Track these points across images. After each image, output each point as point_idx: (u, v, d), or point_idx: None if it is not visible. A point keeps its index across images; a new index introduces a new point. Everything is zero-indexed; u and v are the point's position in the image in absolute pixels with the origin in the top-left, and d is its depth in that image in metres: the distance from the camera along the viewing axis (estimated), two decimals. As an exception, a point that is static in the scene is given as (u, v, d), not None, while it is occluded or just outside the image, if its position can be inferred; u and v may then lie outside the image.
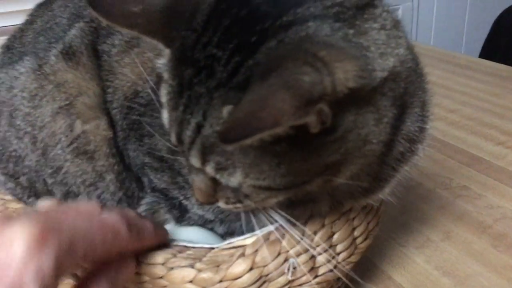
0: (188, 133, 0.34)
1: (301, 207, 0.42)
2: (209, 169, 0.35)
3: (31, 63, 0.52)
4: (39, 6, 0.61)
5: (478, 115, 0.95)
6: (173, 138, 0.36)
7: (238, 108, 0.29)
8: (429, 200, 0.70)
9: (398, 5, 1.86)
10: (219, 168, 0.34)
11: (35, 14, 0.60)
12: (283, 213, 0.41)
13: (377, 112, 0.36)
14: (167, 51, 0.36)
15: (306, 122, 0.31)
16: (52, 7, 0.57)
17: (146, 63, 0.48)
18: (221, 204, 0.39)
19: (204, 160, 0.34)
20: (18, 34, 0.59)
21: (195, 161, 0.35)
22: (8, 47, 0.59)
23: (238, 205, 0.38)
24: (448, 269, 0.58)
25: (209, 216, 0.50)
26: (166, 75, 0.36)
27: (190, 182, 0.43)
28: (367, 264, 0.58)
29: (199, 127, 0.33)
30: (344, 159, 0.36)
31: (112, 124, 0.52)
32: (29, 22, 0.59)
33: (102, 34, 0.52)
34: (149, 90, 0.47)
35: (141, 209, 0.54)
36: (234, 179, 0.34)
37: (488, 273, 0.57)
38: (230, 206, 0.39)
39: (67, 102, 0.51)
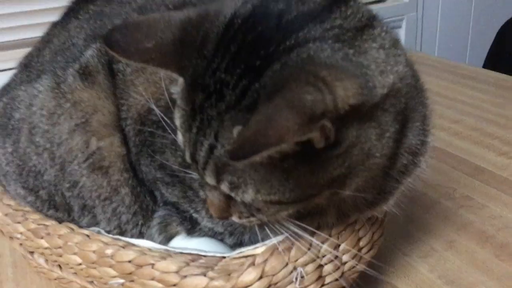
0: (201, 154, 0.37)
1: (308, 219, 0.44)
2: (224, 187, 0.37)
3: (50, 81, 0.55)
4: (55, 26, 0.64)
5: (481, 126, 0.97)
6: (187, 157, 0.39)
7: (246, 128, 0.31)
8: (433, 210, 0.72)
9: (402, 16, 1.88)
10: (233, 187, 0.36)
11: (51, 34, 0.62)
12: (294, 224, 0.43)
13: (379, 127, 0.38)
14: (180, 80, 0.38)
15: (311, 138, 0.33)
16: (68, 27, 0.60)
17: (159, 82, 0.51)
18: (235, 218, 0.42)
19: (218, 179, 0.37)
20: (35, 53, 0.62)
21: (210, 180, 0.37)
22: (26, 65, 0.62)
23: (252, 219, 0.41)
24: (451, 278, 0.59)
25: (219, 229, 0.52)
26: (179, 101, 0.38)
27: (201, 196, 0.45)
28: (372, 274, 0.60)
29: (211, 148, 0.36)
30: (349, 173, 0.38)
31: (125, 141, 0.55)
32: (45, 41, 0.62)
33: (117, 53, 0.55)
34: (158, 110, 0.50)
35: (154, 222, 0.56)
36: (247, 196, 0.36)
37: (490, 282, 0.58)
38: (244, 221, 0.41)
39: (83, 120, 0.53)
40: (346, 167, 0.37)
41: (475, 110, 1.05)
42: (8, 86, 0.62)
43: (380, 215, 0.51)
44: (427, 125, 0.49)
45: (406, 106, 0.42)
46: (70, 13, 0.61)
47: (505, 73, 1.25)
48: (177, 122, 0.39)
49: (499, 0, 2.04)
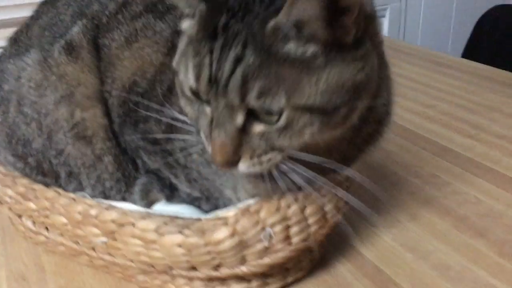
0: (227, 67, 0.39)
1: (276, 182, 0.48)
2: (251, 97, 0.39)
3: (37, 55, 0.58)
4: (44, 3, 0.67)
5: (452, 111, 1.02)
6: (202, 82, 0.40)
7: None
8: (400, 186, 0.77)
9: (386, 5, 1.92)
10: (263, 93, 0.38)
11: (40, 11, 0.65)
12: (295, 171, 0.44)
13: (374, 59, 0.44)
14: (200, 8, 0.41)
15: (346, 25, 0.39)
16: (57, 5, 0.63)
17: (144, 58, 0.54)
18: (243, 163, 0.42)
19: (245, 89, 0.39)
20: (25, 29, 0.65)
21: (233, 95, 0.39)
22: (15, 40, 0.65)
23: (264, 157, 0.42)
24: (412, 246, 0.64)
25: (196, 193, 0.56)
26: (195, 29, 0.41)
27: (208, 143, 0.44)
28: (340, 240, 0.65)
29: (238, 59, 0.38)
30: (363, 87, 0.42)
31: (107, 112, 0.58)
32: (34, 18, 0.65)
33: (103, 29, 0.58)
34: (144, 82, 0.54)
35: (136, 189, 0.60)
36: (278, 101, 0.39)
37: (448, 250, 0.63)
38: (254, 161, 0.42)
39: (68, 92, 0.57)
40: (363, 74, 0.41)
41: (448, 96, 1.10)
42: (-2, 60, 0.66)
43: (345, 183, 0.55)
44: (391, 98, 0.53)
45: (380, 67, 0.47)
46: (58, -8, 0.64)
47: (482, 63, 1.30)
48: (189, 53, 0.41)
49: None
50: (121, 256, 0.52)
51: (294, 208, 0.49)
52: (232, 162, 0.42)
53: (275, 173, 0.44)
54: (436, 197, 0.74)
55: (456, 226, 0.68)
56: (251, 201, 0.50)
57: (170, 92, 0.52)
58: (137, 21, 0.57)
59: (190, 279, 0.54)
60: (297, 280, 0.58)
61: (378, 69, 0.46)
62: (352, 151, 0.51)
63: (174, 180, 0.56)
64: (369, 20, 0.43)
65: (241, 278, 0.53)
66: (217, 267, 0.50)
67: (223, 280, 0.53)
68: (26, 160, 0.58)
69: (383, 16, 1.94)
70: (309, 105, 0.39)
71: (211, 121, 0.42)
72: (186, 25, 0.43)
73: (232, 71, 0.39)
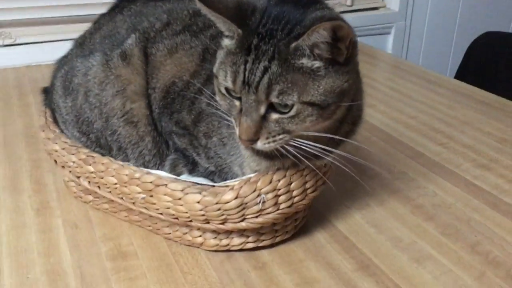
0: (258, 74, 0.56)
1: (273, 161, 0.67)
2: (273, 96, 0.56)
3: (101, 58, 0.77)
4: (104, 16, 0.86)
5: (431, 122, 1.20)
6: (238, 84, 0.58)
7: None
8: (375, 179, 0.95)
9: (391, 24, 2.09)
10: (281, 92, 0.56)
11: (101, 22, 0.84)
12: (296, 148, 0.61)
13: (354, 75, 0.62)
14: (237, 32, 0.58)
15: (342, 46, 0.57)
16: (115, 19, 0.82)
17: (182, 65, 0.73)
18: (260, 141, 0.59)
19: (269, 90, 0.56)
20: (88, 35, 0.85)
21: (260, 94, 0.56)
22: (80, 43, 0.84)
23: (277, 137, 0.59)
24: (375, 224, 0.82)
25: (212, 168, 0.75)
26: (233, 46, 0.59)
27: (237, 125, 0.61)
28: (319, 215, 0.83)
29: (266, 69, 0.56)
30: (345, 93, 0.60)
31: (149, 105, 0.77)
32: (97, 28, 0.84)
33: (151, 42, 0.77)
34: (180, 83, 0.73)
35: (167, 163, 0.79)
36: (292, 98, 0.56)
37: (403, 229, 0.81)
38: (270, 140, 0.59)
39: (122, 88, 0.76)
40: (347, 84, 0.59)
41: (430, 109, 1.27)
42: (66, 58, 0.85)
43: (323, 169, 0.73)
44: (363, 106, 0.72)
45: (356, 80, 0.66)
46: (116, 9, 0.84)
47: (471, 84, 1.45)
48: (227, 62, 0.59)
49: (481, 17, 2.25)
50: (154, 210, 0.71)
51: (283, 182, 0.68)
52: (253, 140, 0.59)
53: (282, 148, 0.62)
54: (402, 189, 0.92)
55: (413, 212, 0.86)
56: (251, 175, 0.68)
57: (200, 92, 0.71)
58: (177, 37, 0.76)
59: (204, 231, 0.73)
60: (283, 241, 0.77)
61: (355, 83, 0.65)
62: (332, 145, 0.69)
63: (196, 157, 0.75)
64: (353, 46, 0.62)
65: (241, 233, 0.72)
66: (224, 222, 0.68)
67: (228, 233, 0.72)
68: (88, 135, 0.78)
69: (388, 34, 2.10)
70: (312, 101, 0.58)
71: (240, 111, 0.60)
72: (227, 42, 0.61)
73: (261, 77, 0.57)
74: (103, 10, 1.40)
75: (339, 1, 1.99)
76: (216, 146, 0.72)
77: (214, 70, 0.62)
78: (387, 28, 2.09)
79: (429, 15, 2.16)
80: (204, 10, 0.58)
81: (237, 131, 0.61)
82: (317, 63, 0.58)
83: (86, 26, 1.47)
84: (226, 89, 0.61)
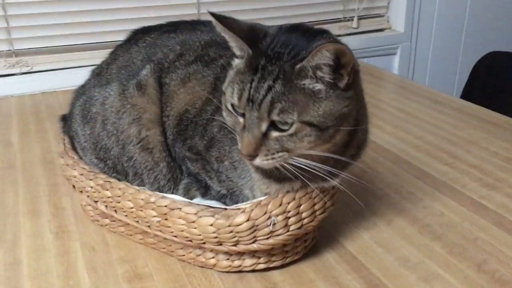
0: (262, 92, 0.60)
1: (282, 184, 0.70)
2: (274, 114, 0.60)
3: (117, 88, 0.81)
4: (120, 47, 0.90)
5: (437, 142, 1.22)
6: (243, 100, 0.62)
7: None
8: (382, 200, 0.97)
9: (397, 44, 2.13)
10: (282, 111, 0.59)
11: (118, 53, 0.88)
12: (295, 167, 0.64)
13: (355, 102, 0.66)
14: (248, 52, 0.63)
15: (343, 73, 0.61)
16: (130, 51, 0.86)
17: (194, 93, 0.77)
18: (259, 158, 0.63)
19: (271, 108, 0.60)
20: (105, 66, 0.89)
21: (263, 111, 0.60)
22: (98, 74, 0.89)
23: (276, 155, 0.62)
24: (383, 243, 0.84)
25: (224, 191, 0.78)
26: (242, 65, 0.64)
27: (240, 140, 0.65)
28: (328, 236, 0.85)
29: (270, 88, 0.60)
30: (345, 118, 0.63)
31: (163, 132, 0.81)
32: (113, 58, 0.88)
33: (165, 72, 0.81)
34: (193, 111, 0.76)
35: (180, 187, 0.82)
36: (291, 117, 0.60)
37: (410, 248, 0.83)
38: (268, 157, 0.62)
39: (137, 117, 0.79)
40: (347, 109, 0.63)
41: (437, 129, 1.30)
42: (83, 87, 0.89)
43: (331, 191, 0.75)
44: (368, 130, 0.75)
45: (361, 107, 0.70)
46: (131, 40, 0.88)
47: (476, 104, 1.48)
48: (235, 79, 0.63)
49: (486, 37, 2.28)
50: (169, 233, 0.74)
51: (292, 204, 0.70)
52: (252, 155, 0.63)
53: (284, 165, 0.65)
54: (409, 209, 0.94)
55: (420, 232, 0.88)
56: (262, 198, 0.71)
57: (212, 119, 0.75)
58: (190, 67, 0.80)
59: (216, 253, 0.75)
60: (294, 261, 0.79)
61: (358, 109, 0.68)
62: (337, 168, 0.72)
63: (208, 181, 0.78)
64: (356, 74, 0.65)
65: (253, 254, 0.75)
66: (236, 243, 0.71)
67: (240, 254, 0.74)
68: (106, 162, 0.81)
69: (394, 54, 2.14)
70: (311, 122, 0.61)
71: (243, 127, 0.63)
72: (237, 62, 0.66)
73: (265, 96, 0.60)
74: (115, 38, 1.47)
75: (345, 23, 2.04)
76: (228, 170, 0.75)
77: (223, 87, 0.67)
78: (393, 49, 2.13)
79: (434, 35, 2.19)
80: (220, 28, 0.64)
81: (239, 146, 0.65)
82: (318, 86, 0.61)
83: (98, 53, 1.55)
84: (232, 105, 0.65)
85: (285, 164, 0.65)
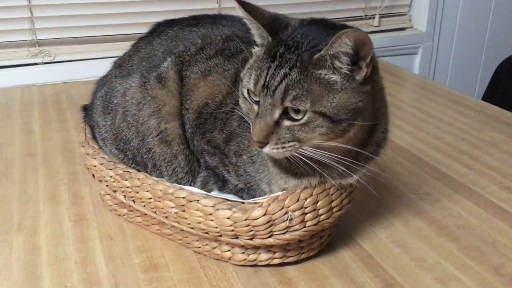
0: (277, 79, 0.61)
1: (300, 179, 0.69)
2: (287, 100, 0.60)
3: (138, 80, 0.82)
4: (142, 39, 0.91)
5: (457, 143, 1.21)
6: (258, 86, 0.62)
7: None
8: (400, 199, 0.96)
9: (419, 44, 2.10)
10: (295, 98, 0.60)
11: (140, 45, 0.89)
12: (307, 157, 0.64)
13: (372, 97, 0.65)
14: (268, 39, 0.64)
15: (362, 64, 0.60)
16: (153, 43, 0.87)
17: (215, 87, 0.77)
18: (268, 146, 0.63)
19: (285, 94, 0.60)
20: (127, 57, 0.89)
21: (276, 97, 0.60)
22: (119, 65, 0.89)
23: (286, 144, 0.62)
24: (399, 243, 0.84)
25: (241, 185, 0.78)
26: (261, 52, 0.65)
27: (252, 127, 0.65)
28: (344, 233, 0.85)
29: (285, 75, 0.60)
30: (360, 111, 0.63)
31: (182, 125, 0.81)
32: (135, 50, 0.89)
33: (186, 65, 0.81)
34: (213, 104, 0.77)
35: (198, 180, 0.83)
36: (304, 105, 0.60)
37: (427, 249, 0.82)
38: (278, 146, 0.62)
39: (157, 109, 0.80)
40: (362, 103, 0.63)
41: (456, 130, 1.28)
42: (105, 78, 0.90)
43: (349, 188, 0.75)
44: (388, 129, 0.74)
45: (382, 104, 0.69)
46: (154, 33, 0.88)
47: (498, 106, 1.45)
48: (255, 65, 0.64)
49: (510, 38, 2.24)
50: (186, 224, 0.74)
51: (309, 200, 0.70)
52: (262, 143, 0.63)
53: (295, 155, 0.64)
54: (426, 210, 0.93)
55: (437, 233, 0.87)
56: (279, 193, 0.71)
57: (232, 112, 0.75)
58: (211, 61, 0.80)
59: (232, 246, 0.76)
60: (309, 258, 0.79)
61: (378, 106, 0.68)
62: (355, 165, 0.72)
63: (226, 175, 0.79)
64: (374, 71, 0.65)
65: (268, 248, 0.75)
66: (252, 237, 0.71)
67: (256, 248, 0.75)
68: (125, 153, 0.82)
69: (415, 54, 2.12)
70: (323, 112, 0.61)
71: (257, 114, 0.64)
72: (257, 50, 0.67)
73: (280, 82, 0.61)
74: (136, 30, 1.49)
75: (366, 21, 2.02)
76: (246, 164, 0.75)
77: (242, 75, 0.67)
78: (414, 48, 2.11)
79: (457, 35, 2.16)
80: (242, 13, 0.65)
81: (251, 133, 0.65)
82: (334, 77, 0.61)
83: (119, 44, 1.57)
84: (248, 92, 0.65)
85: (296, 154, 0.64)
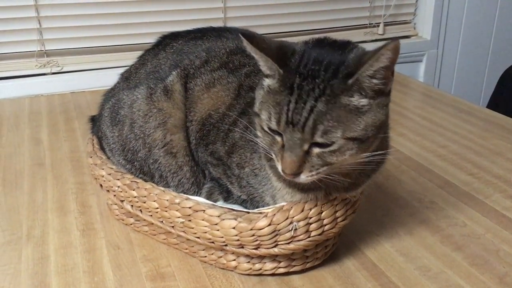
0: (304, 114, 0.58)
1: (307, 193, 0.70)
2: (317, 135, 0.59)
3: (145, 92, 0.83)
4: (148, 52, 0.92)
5: (461, 151, 1.21)
6: (282, 124, 0.60)
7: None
8: (404, 208, 0.97)
9: (424, 51, 2.11)
10: (325, 133, 0.58)
11: (146, 58, 0.91)
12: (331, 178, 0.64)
13: (387, 111, 0.65)
14: (278, 71, 0.62)
15: (388, 77, 0.60)
16: (158, 56, 0.88)
17: (218, 99, 0.79)
18: (303, 174, 0.62)
19: (314, 130, 0.58)
20: (134, 70, 0.91)
21: (306, 133, 0.59)
22: (126, 78, 0.91)
23: (320, 169, 0.61)
24: (404, 252, 0.84)
25: (244, 197, 0.79)
26: (276, 85, 0.62)
27: (279, 159, 0.63)
28: (349, 243, 0.86)
29: (312, 108, 0.59)
30: (384, 124, 0.63)
31: (187, 137, 0.82)
32: (141, 63, 0.91)
33: (190, 77, 0.83)
34: (216, 115, 0.78)
35: (203, 191, 0.84)
36: (336, 135, 0.58)
37: (431, 258, 0.83)
38: (313, 173, 0.61)
39: (163, 121, 0.81)
40: (385, 116, 0.63)
41: (461, 138, 1.29)
42: (113, 90, 0.92)
43: (353, 199, 0.76)
44: (389, 135, 0.75)
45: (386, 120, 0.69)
46: (160, 46, 0.90)
47: (503, 114, 1.46)
48: (269, 102, 0.62)
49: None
50: (192, 234, 0.75)
51: (314, 210, 0.71)
52: (296, 173, 0.62)
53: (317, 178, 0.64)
54: (431, 219, 0.94)
55: (442, 242, 0.87)
56: (284, 203, 0.72)
57: (234, 124, 0.76)
58: (215, 73, 0.82)
59: (238, 255, 0.77)
60: (314, 267, 0.80)
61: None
62: (361, 178, 0.72)
63: (230, 186, 0.80)
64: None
65: (273, 258, 0.76)
66: (257, 247, 0.72)
67: (261, 257, 0.76)
68: (133, 163, 0.84)
69: (420, 61, 2.12)
70: (354, 137, 0.61)
71: (282, 146, 0.62)
72: (268, 82, 0.65)
73: (307, 118, 0.59)
74: (143, 40, 1.52)
75: (371, 30, 2.04)
76: (248, 176, 0.76)
77: (256, 109, 0.66)
78: (419, 56, 2.11)
79: (461, 43, 2.17)
80: (249, 48, 0.63)
81: (279, 165, 0.64)
82: (364, 101, 0.61)
83: (126, 55, 1.60)
84: (271, 129, 0.63)
85: (328, 176, 0.64)
